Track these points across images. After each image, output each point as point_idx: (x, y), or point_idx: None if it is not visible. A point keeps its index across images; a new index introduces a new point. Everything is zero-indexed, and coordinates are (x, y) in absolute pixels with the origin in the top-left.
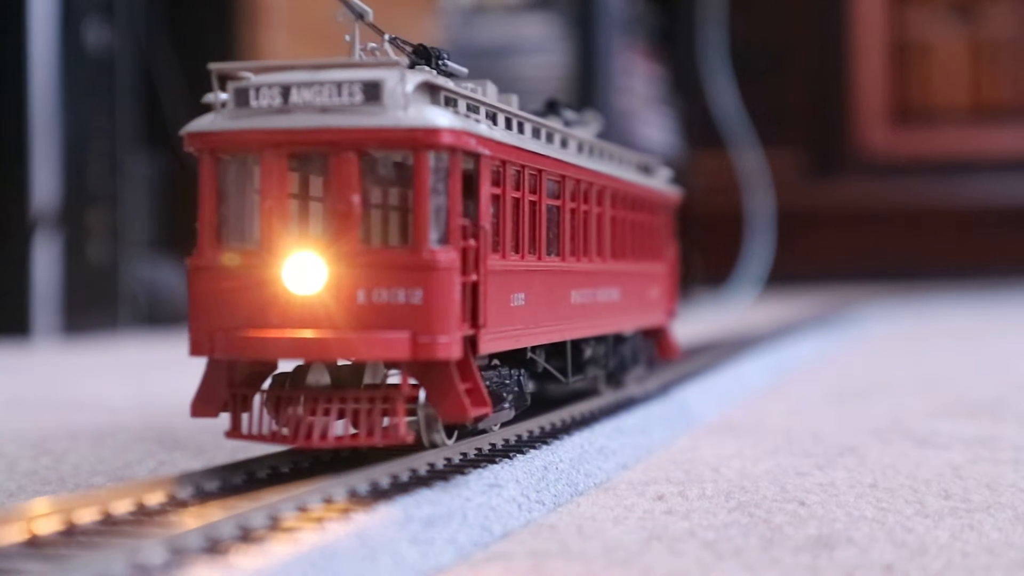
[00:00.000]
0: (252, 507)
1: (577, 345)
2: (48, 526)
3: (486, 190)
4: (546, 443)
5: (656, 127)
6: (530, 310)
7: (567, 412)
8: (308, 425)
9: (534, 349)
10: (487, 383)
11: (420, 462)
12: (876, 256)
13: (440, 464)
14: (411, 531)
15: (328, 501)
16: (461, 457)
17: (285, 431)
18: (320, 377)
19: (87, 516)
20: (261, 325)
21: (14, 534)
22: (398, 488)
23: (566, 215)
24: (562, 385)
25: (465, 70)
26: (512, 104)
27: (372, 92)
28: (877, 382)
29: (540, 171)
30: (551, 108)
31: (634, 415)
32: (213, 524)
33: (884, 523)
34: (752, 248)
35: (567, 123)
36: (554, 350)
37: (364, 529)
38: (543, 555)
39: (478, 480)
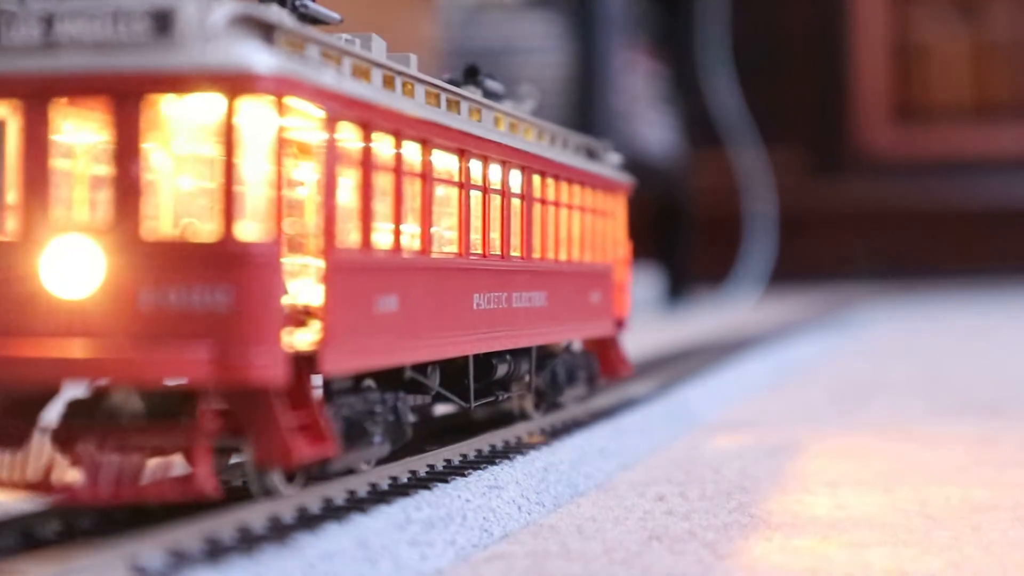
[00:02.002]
0: (251, 509)
1: (486, 361)
2: None
3: (334, 159)
4: (547, 444)
5: (657, 126)
6: (408, 317)
7: (567, 413)
8: (96, 469)
9: (424, 367)
10: (345, 413)
11: (420, 464)
12: (878, 255)
13: (440, 466)
14: (411, 533)
15: (328, 503)
16: (461, 458)
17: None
18: (126, 404)
19: None
20: (14, 335)
21: None
22: (397, 490)
23: (468, 200)
24: (488, 408)
25: (337, 16)
26: (410, 65)
27: (162, 23)
28: (878, 382)
29: (427, 142)
30: (469, 76)
31: (634, 415)
32: (212, 526)
33: (884, 523)
34: (753, 248)
35: (488, 94)
36: (454, 368)
37: (364, 531)
38: (543, 555)
39: (478, 482)
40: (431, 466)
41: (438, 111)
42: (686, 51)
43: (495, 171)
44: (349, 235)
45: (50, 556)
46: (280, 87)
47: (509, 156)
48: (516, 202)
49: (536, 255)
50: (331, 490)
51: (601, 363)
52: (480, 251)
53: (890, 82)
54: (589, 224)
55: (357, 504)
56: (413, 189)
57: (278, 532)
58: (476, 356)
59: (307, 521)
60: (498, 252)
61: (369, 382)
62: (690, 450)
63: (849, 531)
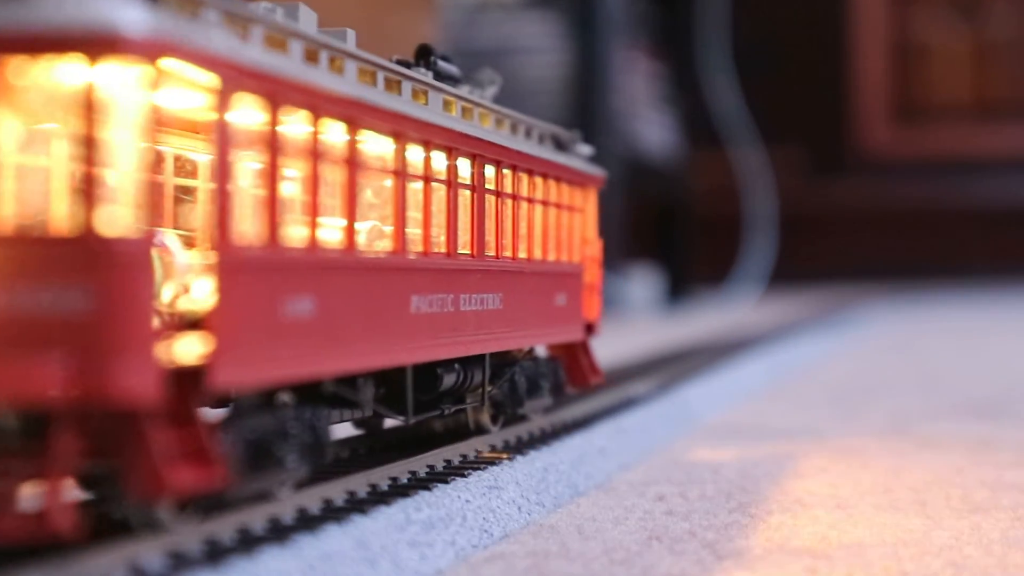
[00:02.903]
0: (251, 510)
1: (430, 371)
2: None
3: (227, 137)
4: (546, 444)
5: (657, 126)
6: (327, 323)
7: (567, 413)
8: None
9: (354, 379)
10: (250, 434)
11: (419, 464)
12: (877, 255)
13: (440, 466)
14: (410, 534)
15: (327, 503)
16: (461, 459)
17: None
18: None
19: None
20: None
21: None
22: (397, 491)
23: (404, 191)
24: (433, 422)
25: None
26: (346, 41)
27: None
28: (878, 382)
29: (354, 123)
30: (421, 57)
31: (635, 415)
32: (212, 527)
33: (884, 523)
34: (753, 248)
35: (442, 77)
36: (394, 379)
37: (363, 532)
38: (543, 555)
39: (478, 482)
40: (431, 466)
41: (369, 89)
42: (686, 51)
43: (440, 159)
44: (251, 228)
45: (50, 557)
46: (154, 49)
47: (457, 143)
48: (466, 194)
49: (490, 253)
50: (330, 491)
51: (569, 371)
52: (421, 248)
53: (890, 82)
54: (554, 220)
55: (357, 505)
56: (335, 176)
57: (278, 533)
58: (419, 366)
59: (307, 522)
60: (443, 249)
61: (285, 397)
62: (690, 450)
63: (849, 532)
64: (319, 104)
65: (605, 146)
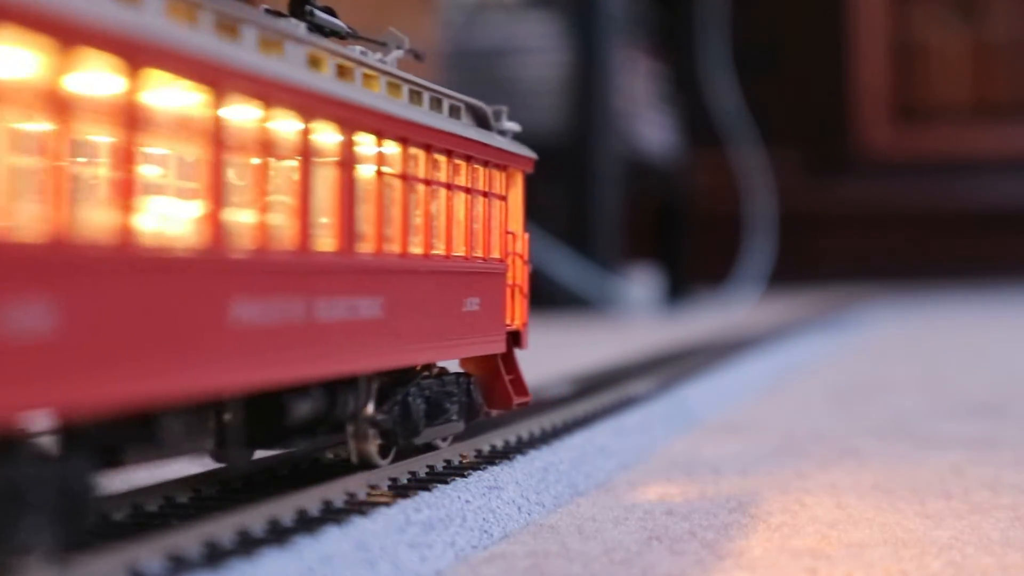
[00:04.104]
0: (250, 512)
1: (273, 400)
2: None
3: None
4: (546, 444)
5: (656, 126)
6: (78, 340)
7: (568, 411)
8: None
9: (147, 415)
10: None
11: (419, 464)
12: (877, 255)
13: (439, 467)
14: (410, 535)
15: (327, 505)
16: (461, 459)
17: None
18: None
19: None
20: None
21: None
22: (397, 491)
23: (221, 162)
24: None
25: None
26: None
27: None
28: (878, 382)
29: (135, 66)
30: (297, 6)
31: (635, 415)
32: (211, 529)
33: (884, 524)
34: (753, 248)
35: (319, 30)
36: (200, 411)
37: (363, 533)
38: (543, 555)
39: (477, 482)
40: (431, 467)
41: (162, 25)
42: (686, 51)
43: (285, 125)
44: None
45: (49, 560)
46: None
47: (318, 107)
48: (332, 173)
49: (366, 247)
50: (330, 492)
51: (487, 389)
52: (252, 239)
53: (890, 82)
54: (464, 208)
55: (356, 506)
56: (87, 141)
57: (277, 535)
58: (257, 391)
59: (306, 524)
60: (292, 242)
61: (40, 441)
62: (690, 450)
63: (849, 531)
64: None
65: (605, 146)
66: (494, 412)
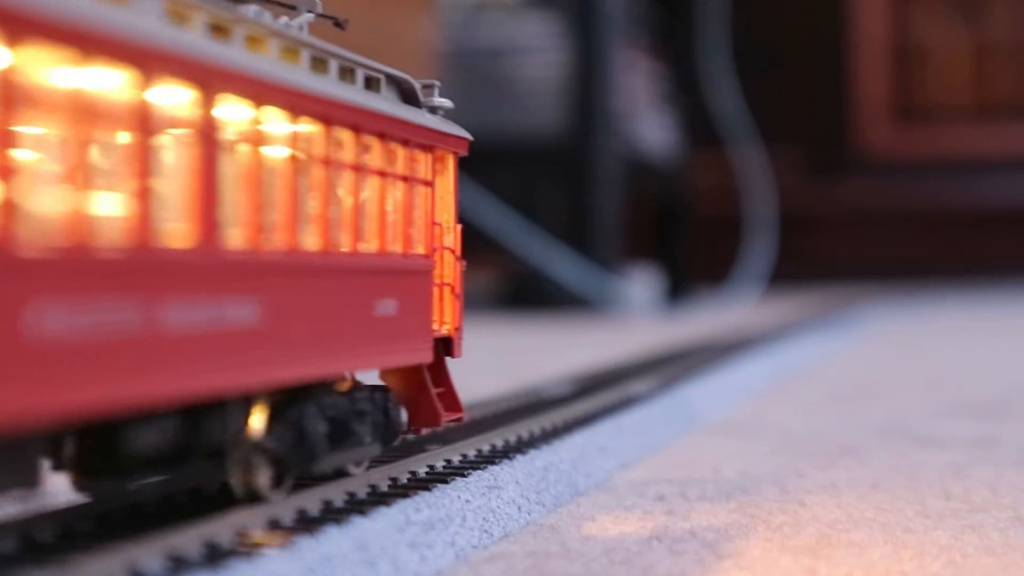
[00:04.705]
0: (250, 512)
1: (108, 429)
2: None
3: None
4: (547, 443)
5: (657, 126)
6: None
7: (568, 411)
8: None
9: None
10: None
11: (419, 464)
12: (877, 255)
13: (439, 466)
14: (410, 535)
15: (327, 505)
16: (461, 459)
17: None
18: None
19: None
20: None
21: None
22: (397, 491)
23: (8, 133)
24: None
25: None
26: None
27: None
28: (878, 382)
29: None
30: None
31: (635, 414)
32: (211, 530)
33: (884, 524)
34: (753, 248)
35: None
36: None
37: (363, 533)
38: (543, 555)
39: (477, 482)
40: (431, 466)
41: None
42: (686, 51)
43: (117, 85)
44: None
45: (49, 560)
46: None
47: (167, 67)
48: (182, 147)
49: (236, 240)
50: (330, 492)
51: (411, 405)
52: (63, 231)
53: (890, 82)
54: (377, 194)
55: (356, 506)
56: None
57: (277, 535)
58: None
59: (306, 524)
60: (120, 233)
61: None
62: (690, 450)
63: (849, 531)
64: None
65: (605, 146)
66: (423, 431)
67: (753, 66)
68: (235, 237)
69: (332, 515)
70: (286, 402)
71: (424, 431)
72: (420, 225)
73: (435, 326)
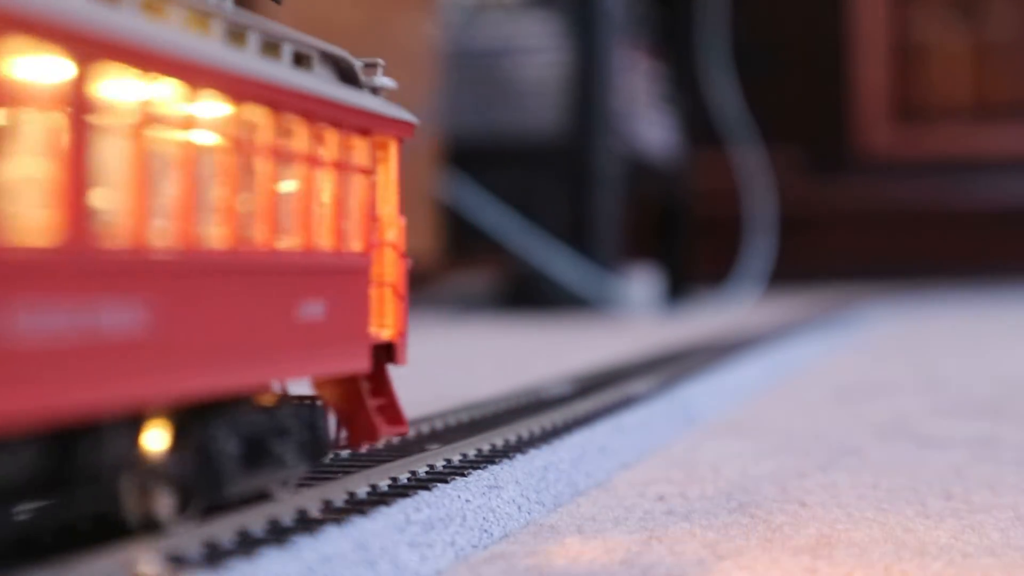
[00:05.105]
0: (250, 513)
1: None
2: None
3: None
4: (547, 443)
5: (657, 126)
6: None
7: (568, 410)
8: None
9: None
10: None
11: (419, 464)
12: (877, 255)
13: (439, 466)
14: (410, 534)
15: (327, 504)
16: (461, 458)
17: None
18: None
19: None
20: None
21: None
22: (397, 491)
23: None
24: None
25: None
26: None
27: None
28: (878, 382)
29: None
30: None
31: (635, 414)
32: (211, 530)
33: (885, 524)
34: (753, 248)
35: None
36: None
37: (363, 533)
38: (543, 556)
39: (477, 482)
40: (431, 466)
41: None
42: (686, 51)
43: None
44: None
45: (48, 559)
46: None
47: (22, 30)
48: (45, 128)
49: (115, 237)
50: (330, 492)
51: (347, 419)
52: None
53: (890, 82)
54: (303, 183)
55: (356, 506)
56: None
57: (277, 535)
58: None
59: (306, 524)
60: None
61: None
62: (690, 450)
63: (849, 531)
64: None
65: (605, 146)
66: (363, 447)
67: (753, 66)
68: (114, 231)
69: (332, 514)
70: (193, 420)
71: (364, 447)
72: (356, 218)
73: (374, 331)
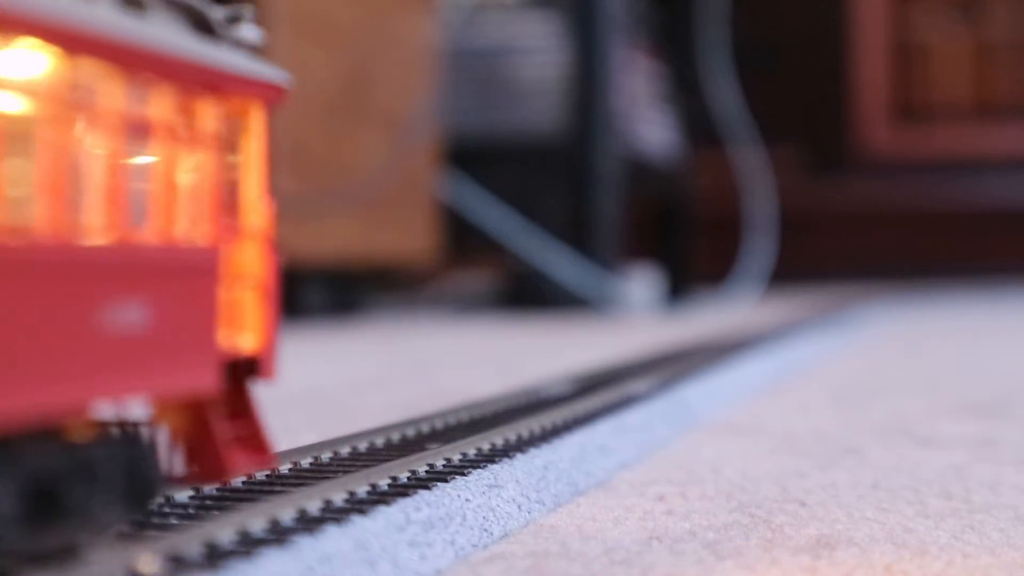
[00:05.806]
0: (250, 512)
1: None
2: None
3: None
4: (547, 442)
5: (657, 126)
6: None
7: (568, 410)
8: None
9: None
10: None
11: (419, 463)
12: (878, 255)
13: (439, 465)
14: (410, 534)
15: (327, 504)
16: (461, 457)
17: None
18: None
19: None
20: None
21: None
22: (397, 490)
23: None
24: None
25: None
26: None
27: None
28: (878, 382)
29: None
30: None
31: (635, 413)
32: (211, 530)
33: (885, 524)
34: (753, 248)
35: None
36: None
37: (363, 533)
38: (543, 555)
39: (477, 481)
40: (431, 465)
41: None
42: (686, 51)
43: None
44: None
45: (47, 560)
46: None
47: None
48: None
49: None
50: (330, 491)
51: (189, 450)
52: None
53: (890, 82)
54: (115, 155)
55: (356, 505)
56: None
57: (277, 535)
58: None
59: (306, 523)
60: None
61: None
62: (690, 450)
63: (849, 531)
64: None
65: (605, 146)
66: (215, 483)
67: (753, 66)
68: None
69: (332, 514)
70: None
71: (212, 484)
72: (200, 201)
73: (225, 342)
